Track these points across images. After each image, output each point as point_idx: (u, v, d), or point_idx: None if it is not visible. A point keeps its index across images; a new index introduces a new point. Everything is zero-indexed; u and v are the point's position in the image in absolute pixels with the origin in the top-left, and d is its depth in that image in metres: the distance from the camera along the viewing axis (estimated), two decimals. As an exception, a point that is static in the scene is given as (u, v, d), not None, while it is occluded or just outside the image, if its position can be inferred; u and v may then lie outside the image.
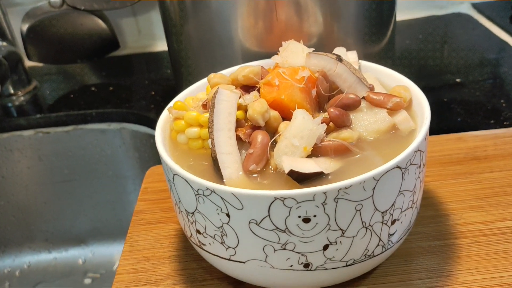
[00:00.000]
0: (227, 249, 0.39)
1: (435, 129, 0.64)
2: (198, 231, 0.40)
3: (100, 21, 0.87)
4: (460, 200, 0.50)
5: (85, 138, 0.83)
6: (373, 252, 0.39)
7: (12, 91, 0.87)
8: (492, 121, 0.65)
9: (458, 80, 0.76)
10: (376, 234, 0.38)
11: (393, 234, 0.39)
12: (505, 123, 0.65)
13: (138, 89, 0.86)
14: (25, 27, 0.84)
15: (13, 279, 0.89)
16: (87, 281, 0.87)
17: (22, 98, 0.87)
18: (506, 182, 0.51)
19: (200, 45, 0.60)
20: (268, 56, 0.54)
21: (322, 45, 0.57)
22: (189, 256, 0.48)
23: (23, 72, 0.88)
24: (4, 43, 0.83)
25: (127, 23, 0.97)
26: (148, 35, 0.99)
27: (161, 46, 0.99)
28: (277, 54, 0.48)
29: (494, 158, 0.54)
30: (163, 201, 0.55)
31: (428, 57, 0.84)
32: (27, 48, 0.87)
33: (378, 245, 0.38)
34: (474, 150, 0.56)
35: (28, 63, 0.90)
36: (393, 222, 0.38)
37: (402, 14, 0.96)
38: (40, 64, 0.93)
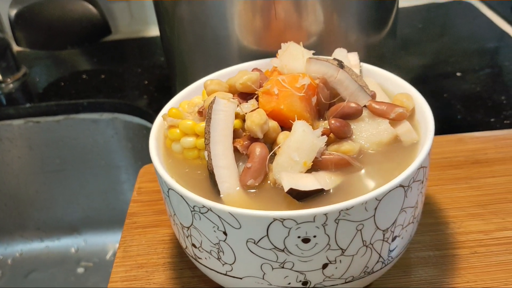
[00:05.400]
0: (223, 264, 0.38)
1: (434, 127, 0.63)
2: (193, 245, 0.39)
3: (90, 6, 0.84)
4: (459, 207, 0.49)
5: (76, 128, 0.82)
6: (372, 268, 0.38)
7: (0, 78, 0.85)
8: (492, 119, 0.64)
9: (458, 74, 0.74)
10: (377, 251, 0.37)
11: (393, 250, 0.38)
12: (505, 121, 0.63)
13: (130, 77, 0.84)
14: (13, 12, 0.81)
15: (5, 267, 0.89)
16: (80, 270, 0.87)
17: (11, 86, 0.85)
18: (507, 189, 0.50)
19: (195, 42, 0.57)
20: (266, 54, 0.52)
21: (322, 42, 0.55)
22: (184, 263, 0.47)
23: (11, 58, 0.85)
24: (-8, 29, 0.80)
25: (119, 7, 0.94)
26: (140, 20, 0.96)
27: (155, 31, 0.96)
28: (276, 55, 0.47)
29: (495, 162, 0.53)
30: (157, 202, 0.54)
31: (427, 47, 0.82)
32: (16, 33, 0.83)
33: (378, 261, 0.38)
34: (474, 153, 0.55)
35: (17, 49, 0.87)
36: (393, 239, 0.37)
37: (402, 1, 0.94)
38: (29, 50, 0.91)
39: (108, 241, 0.90)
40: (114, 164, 0.85)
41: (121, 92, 0.80)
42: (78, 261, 0.88)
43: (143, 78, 0.83)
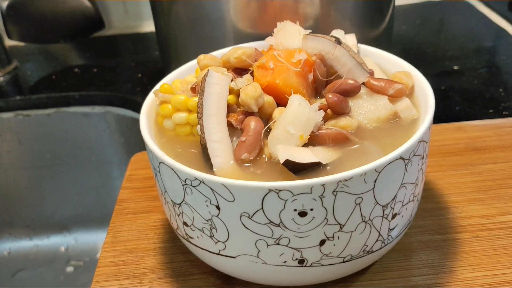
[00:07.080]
0: (216, 243, 0.36)
1: (433, 117, 0.62)
2: (185, 224, 0.37)
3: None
4: (460, 192, 0.48)
5: (67, 122, 0.80)
6: (371, 247, 0.36)
7: (-10, 71, 0.83)
8: (490, 111, 0.63)
9: (455, 67, 0.73)
10: (376, 229, 0.35)
11: (393, 228, 0.37)
12: (504, 112, 0.62)
13: (123, 71, 0.83)
14: (5, 4, 0.80)
15: (-7, 265, 0.86)
16: (70, 269, 0.84)
17: (1, 79, 0.83)
18: (507, 174, 0.49)
19: (189, 25, 0.56)
20: (261, 38, 0.51)
21: (318, 28, 0.54)
22: (175, 248, 0.45)
23: (2, 51, 0.84)
24: (-18, 21, 0.79)
25: (113, 2, 0.93)
26: (135, 15, 0.95)
27: (149, 26, 0.95)
28: (271, 35, 0.45)
29: (495, 149, 0.52)
30: (148, 189, 0.52)
31: (425, 43, 0.81)
32: (7, 26, 0.82)
33: (377, 240, 0.36)
34: (474, 140, 0.54)
35: (8, 42, 0.85)
36: (393, 216, 0.36)
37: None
38: (21, 44, 0.89)
39: (99, 240, 0.88)
40: (106, 159, 0.83)
41: (114, 85, 0.79)
42: (67, 260, 0.86)
43: (136, 71, 0.82)
